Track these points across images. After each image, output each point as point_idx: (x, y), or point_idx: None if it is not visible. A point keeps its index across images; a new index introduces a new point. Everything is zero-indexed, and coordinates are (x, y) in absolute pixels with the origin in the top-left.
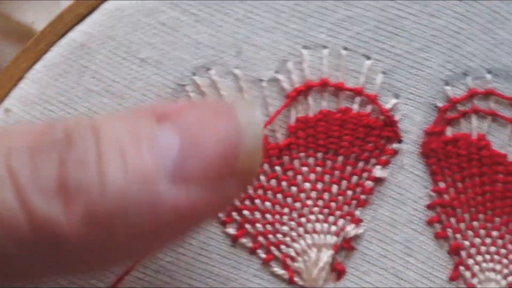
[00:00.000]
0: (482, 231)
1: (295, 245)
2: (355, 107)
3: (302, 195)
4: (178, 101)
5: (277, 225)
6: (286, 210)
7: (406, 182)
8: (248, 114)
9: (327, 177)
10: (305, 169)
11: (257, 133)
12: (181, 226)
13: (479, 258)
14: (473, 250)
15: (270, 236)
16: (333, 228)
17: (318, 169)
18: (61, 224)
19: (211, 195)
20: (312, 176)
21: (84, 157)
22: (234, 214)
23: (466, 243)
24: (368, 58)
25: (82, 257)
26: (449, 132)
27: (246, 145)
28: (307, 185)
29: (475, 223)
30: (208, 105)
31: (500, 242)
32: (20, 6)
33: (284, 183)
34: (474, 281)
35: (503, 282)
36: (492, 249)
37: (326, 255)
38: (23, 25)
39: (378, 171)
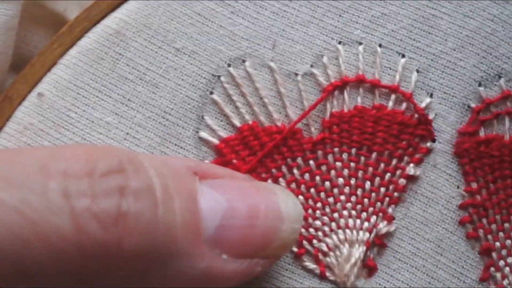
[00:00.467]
0: None
1: (328, 240)
2: (390, 104)
3: (335, 190)
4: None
5: (310, 220)
6: (319, 204)
7: (438, 181)
8: (290, 203)
9: (360, 173)
10: (338, 164)
11: (296, 226)
12: (196, 285)
13: (510, 260)
14: (504, 252)
15: (302, 230)
16: (366, 224)
17: (352, 164)
18: (112, 251)
19: (239, 268)
20: (346, 172)
21: (149, 198)
22: None
23: (497, 244)
24: (403, 56)
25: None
26: (482, 133)
27: (284, 233)
28: (341, 180)
29: (506, 225)
30: (249, 181)
31: None
32: None
33: (317, 178)
34: (505, 282)
35: None
36: None
37: (358, 251)
38: (55, 13)
39: (411, 169)
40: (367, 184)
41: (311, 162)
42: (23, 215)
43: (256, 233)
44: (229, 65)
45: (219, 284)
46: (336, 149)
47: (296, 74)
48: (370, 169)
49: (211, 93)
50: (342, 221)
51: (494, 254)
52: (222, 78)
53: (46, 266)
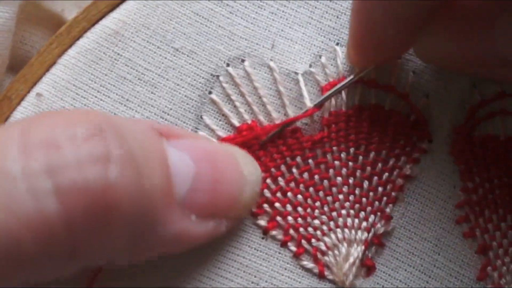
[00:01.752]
0: (510, 232)
1: (326, 239)
2: (387, 104)
3: (334, 189)
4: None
5: (308, 219)
6: (317, 203)
7: (435, 181)
8: (250, 167)
9: (358, 173)
10: (337, 163)
11: (257, 189)
12: (168, 248)
13: (506, 259)
14: (500, 251)
15: (301, 229)
16: (364, 223)
17: (350, 164)
18: (103, 222)
19: (206, 228)
20: (344, 171)
21: (126, 159)
22: (266, 206)
23: (494, 243)
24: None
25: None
26: (478, 132)
27: (246, 196)
28: (339, 179)
29: (503, 224)
30: (210, 142)
31: None
32: None
33: (316, 177)
34: (502, 281)
35: None
36: None
37: (356, 251)
38: (53, 13)
39: (408, 169)
40: (365, 184)
41: (310, 161)
42: (7, 208)
43: (222, 195)
44: (228, 65)
45: (187, 244)
46: (334, 148)
47: (296, 73)
48: (368, 168)
49: (210, 92)
50: (340, 220)
51: (491, 254)
52: (221, 78)
53: (35, 252)
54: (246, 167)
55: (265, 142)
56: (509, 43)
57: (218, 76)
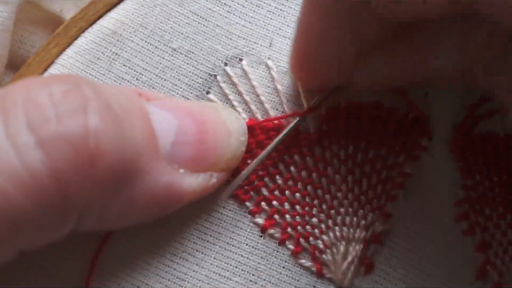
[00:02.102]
0: (509, 231)
1: (324, 237)
2: (386, 101)
3: (332, 187)
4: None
5: (306, 217)
6: (316, 202)
7: (435, 179)
8: (233, 118)
9: (357, 171)
10: (335, 161)
11: (242, 139)
12: (163, 204)
13: (506, 257)
14: (500, 250)
15: (299, 227)
16: (363, 222)
17: (349, 162)
18: (88, 171)
19: (196, 181)
20: (343, 169)
21: (105, 108)
22: (263, 204)
23: (494, 242)
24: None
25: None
26: (478, 130)
27: (232, 147)
28: (338, 177)
29: (502, 222)
30: (192, 101)
31: None
32: None
33: (314, 175)
34: (501, 280)
35: None
36: None
37: (355, 249)
38: (52, 13)
39: (407, 167)
40: (364, 182)
41: (308, 159)
42: None
43: (207, 148)
44: (225, 64)
45: (180, 197)
46: (333, 146)
47: None
48: (367, 166)
49: (208, 92)
50: (339, 218)
51: (490, 252)
52: (219, 78)
53: (26, 209)
54: (229, 118)
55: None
56: (447, 60)
57: (215, 76)
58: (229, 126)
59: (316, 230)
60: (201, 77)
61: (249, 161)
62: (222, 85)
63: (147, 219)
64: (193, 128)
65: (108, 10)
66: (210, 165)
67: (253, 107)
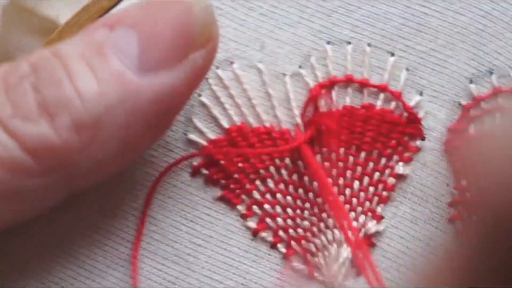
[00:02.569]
0: None
1: (316, 240)
2: (379, 103)
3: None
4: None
5: (298, 220)
6: (307, 205)
7: (428, 180)
8: None
9: (349, 173)
10: (327, 164)
11: (205, 4)
12: (163, 112)
13: None
14: None
15: (291, 231)
16: (354, 224)
17: (340, 164)
18: (52, 139)
19: (182, 71)
20: (334, 172)
21: (55, 79)
22: (255, 207)
23: None
24: (392, 54)
25: (82, 168)
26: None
27: (198, 15)
28: (329, 180)
29: None
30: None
31: None
32: (45, 0)
33: (306, 178)
34: None
35: None
36: None
37: (346, 251)
38: (47, 19)
39: (400, 168)
40: (356, 184)
41: (300, 162)
42: None
43: (172, 34)
44: (217, 67)
45: (175, 96)
46: (324, 149)
47: (285, 75)
48: (359, 168)
49: (199, 95)
50: (330, 221)
51: None
52: (210, 81)
53: (4, 179)
54: None
55: None
56: None
57: (207, 79)
58: (184, 2)
59: (308, 233)
60: None
61: (240, 164)
62: (214, 88)
63: (154, 137)
64: (151, 26)
65: (102, 15)
66: (185, 49)
67: (245, 110)
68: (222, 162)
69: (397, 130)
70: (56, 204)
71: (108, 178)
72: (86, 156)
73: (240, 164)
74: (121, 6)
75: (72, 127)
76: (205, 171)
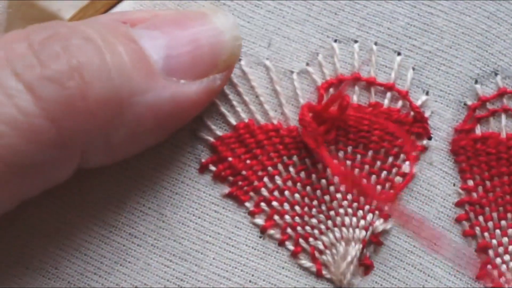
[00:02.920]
0: (510, 230)
1: (324, 238)
2: (386, 102)
3: (332, 188)
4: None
5: (306, 218)
6: (315, 202)
7: (434, 179)
8: (220, 15)
9: (356, 171)
10: (335, 162)
11: (236, 33)
12: (176, 117)
13: (506, 257)
14: (500, 249)
15: (299, 228)
16: (362, 222)
17: (348, 162)
18: (79, 105)
19: (201, 87)
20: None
21: (90, 48)
22: (263, 204)
23: (494, 242)
24: (399, 54)
25: (98, 143)
26: (479, 130)
27: (228, 43)
28: (337, 178)
29: (503, 222)
30: (179, 12)
31: None
32: None
33: (313, 176)
34: (501, 280)
35: None
36: None
37: (354, 249)
38: (49, 13)
39: (407, 167)
40: (363, 182)
41: (307, 160)
42: None
43: (203, 53)
44: None
45: (190, 108)
46: (332, 147)
47: (292, 72)
48: (366, 167)
49: None
50: (338, 219)
51: (490, 252)
52: None
53: (26, 150)
54: (217, 18)
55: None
56: None
57: None
58: (219, 26)
59: (316, 231)
60: None
61: (248, 161)
62: None
63: (159, 137)
64: (183, 38)
65: (107, 10)
66: (209, 69)
67: (252, 107)
68: (230, 159)
69: (404, 129)
70: (65, 179)
71: (113, 163)
72: (105, 132)
73: (248, 161)
74: (125, 2)
75: (102, 99)
76: (213, 168)
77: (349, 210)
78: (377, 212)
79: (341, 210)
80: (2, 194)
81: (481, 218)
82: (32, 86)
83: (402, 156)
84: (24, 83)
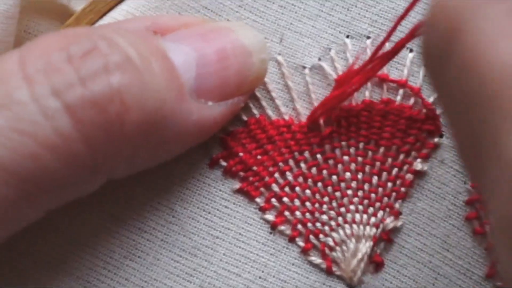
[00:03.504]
0: None
1: (334, 234)
2: (398, 98)
3: (343, 184)
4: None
5: (317, 214)
6: (326, 199)
7: (445, 177)
8: (250, 35)
9: (367, 168)
10: (346, 158)
11: (263, 56)
12: (196, 137)
13: None
14: None
15: (309, 224)
16: (373, 219)
17: (359, 159)
18: (115, 130)
19: (225, 108)
20: (353, 166)
21: (124, 62)
22: (274, 200)
23: None
24: (411, 50)
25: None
26: None
27: (255, 66)
28: (348, 174)
29: None
30: (205, 24)
31: None
32: None
33: (324, 172)
34: None
35: None
36: None
37: (364, 246)
38: (59, 3)
39: (418, 164)
40: (374, 179)
41: (318, 156)
42: (22, 132)
43: (230, 74)
44: None
45: (212, 129)
46: (343, 143)
47: (304, 67)
48: (378, 163)
49: None
50: (349, 215)
51: None
52: None
53: (60, 172)
54: (246, 37)
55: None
56: None
57: None
58: (248, 46)
59: (326, 227)
60: None
61: (259, 157)
62: None
63: (179, 152)
64: (213, 56)
65: (119, 3)
66: (236, 90)
67: (264, 103)
68: (241, 154)
69: (415, 126)
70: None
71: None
72: (136, 153)
73: (259, 157)
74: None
75: (138, 123)
76: (223, 163)
77: (360, 207)
78: (387, 209)
79: (352, 207)
80: (30, 210)
81: None
82: (73, 107)
83: (413, 153)
84: (63, 103)
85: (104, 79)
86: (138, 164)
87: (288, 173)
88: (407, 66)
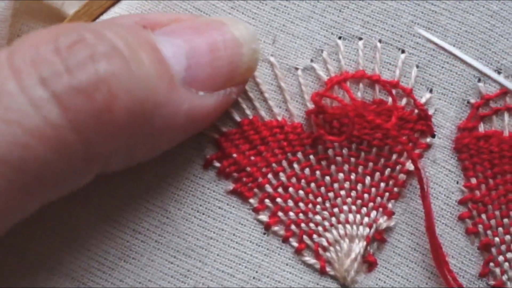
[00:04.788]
0: None
1: (328, 235)
2: (390, 99)
3: (336, 185)
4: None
5: (310, 214)
6: (319, 199)
7: (438, 177)
8: (241, 27)
9: (360, 168)
10: (339, 159)
11: (254, 46)
12: (192, 128)
13: (509, 255)
14: (503, 247)
15: (303, 225)
16: (366, 219)
17: (352, 159)
18: (106, 118)
19: (218, 99)
20: (346, 167)
21: (118, 56)
22: (267, 201)
23: (497, 239)
24: (403, 51)
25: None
26: (482, 128)
27: (246, 57)
28: (341, 175)
29: (505, 220)
30: (196, 19)
31: None
32: None
33: (318, 172)
34: (504, 277)
35: None
36: None
37: (358, 246)
38: (52, 7)
39: (411, 165)
40: (367, 179)
41: (311, 156)
42: (10, 122)
43: (222, 64)
44: None
45: (205, 121)
46: (336, 144)
47: (296, 69)
48: (370, 164)
49: None
50: (342, 216)
51: (493, 250)
52: None
53: (52, 161)
54: (237, 29)
55: None
56: None
57: None
58: (238, 37)
59: (320, 228)
60: None
61: (252, 157)
62: None
63: (172, 144)
64: (203, 48)
65: (112, 5)
66: (227, 81)
67: (257, 104)
68: (234, 155)
69: (407, 127)
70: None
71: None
72: (128, 143)
73: (252, 158)
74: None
75: (127, 111)
76: (217, 164)
77: (353, 207)
78: (380, 209)
79: (345, 207)
80: (26, 202)
81: (483, 216)
82: (60, 96)
83: (405, 153)
84: (51, 93)
85: (91, 67)
86: (133, 156)
87: (281, 174)
88: (398, 67)
